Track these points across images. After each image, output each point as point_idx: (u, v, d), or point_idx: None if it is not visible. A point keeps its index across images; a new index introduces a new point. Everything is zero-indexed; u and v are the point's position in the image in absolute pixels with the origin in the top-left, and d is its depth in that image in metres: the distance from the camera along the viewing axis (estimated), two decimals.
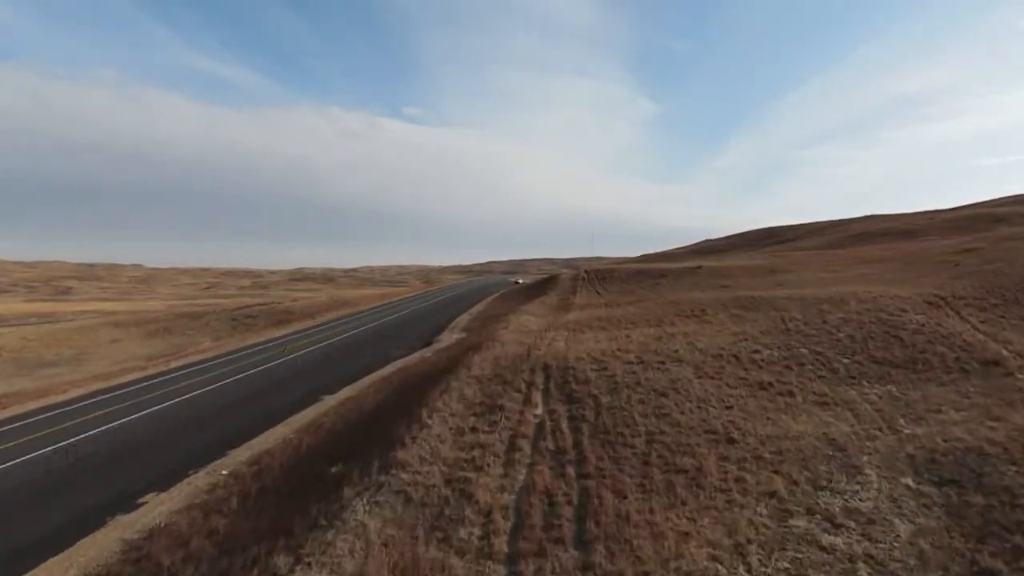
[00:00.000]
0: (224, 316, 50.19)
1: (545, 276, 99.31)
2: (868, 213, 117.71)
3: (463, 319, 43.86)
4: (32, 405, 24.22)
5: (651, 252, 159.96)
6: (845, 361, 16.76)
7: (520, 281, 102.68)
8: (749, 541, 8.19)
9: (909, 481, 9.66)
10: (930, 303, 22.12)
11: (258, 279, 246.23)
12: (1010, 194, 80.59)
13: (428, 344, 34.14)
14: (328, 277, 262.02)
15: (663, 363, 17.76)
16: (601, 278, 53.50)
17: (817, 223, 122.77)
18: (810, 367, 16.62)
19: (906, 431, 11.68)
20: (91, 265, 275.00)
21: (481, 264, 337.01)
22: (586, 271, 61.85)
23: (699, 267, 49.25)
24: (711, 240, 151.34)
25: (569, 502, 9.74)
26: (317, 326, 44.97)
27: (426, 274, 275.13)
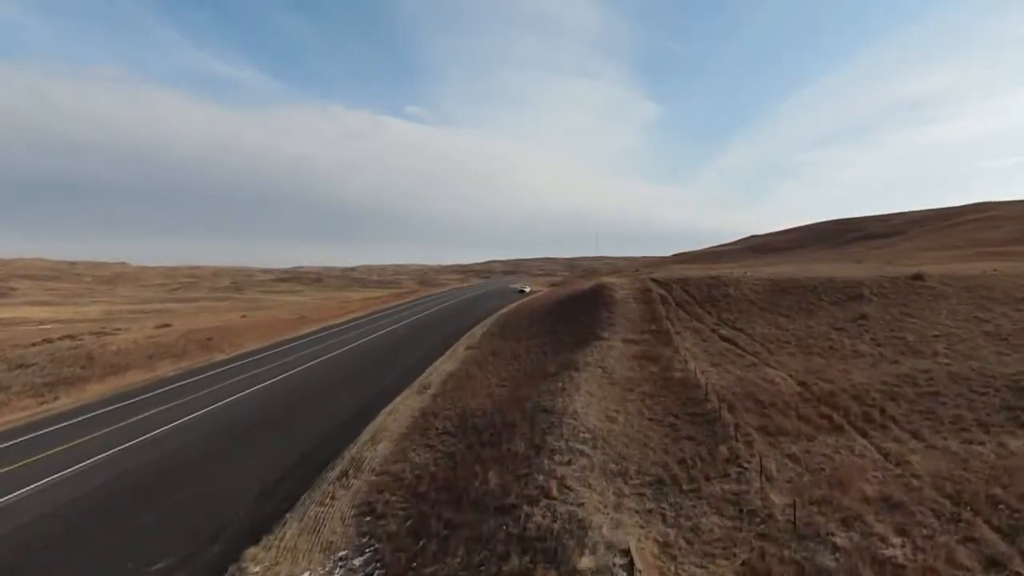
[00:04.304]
0: None
1: (567, 290, 74.06)
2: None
3: (391, 429, 15.93)
4: None
5: (687, 251, 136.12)
6: None
7: (526, 290, 74.60)
8: None
9: None
10: None
11: (240, 280, 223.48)
12: None
13: None
14: (317, 278, 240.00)
15: None
16: (707, 300, 29.64)
17: (912, 212, 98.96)
18: None
19: None
20: (73, 263, 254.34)
21: (481, 264, 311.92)
22: (656, 280, 38.16)
23: (919, 277, 25.51)
24: (759, 236, 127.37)
25: None
26: (56, 418, 19.06)
27: (423, 274, 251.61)
